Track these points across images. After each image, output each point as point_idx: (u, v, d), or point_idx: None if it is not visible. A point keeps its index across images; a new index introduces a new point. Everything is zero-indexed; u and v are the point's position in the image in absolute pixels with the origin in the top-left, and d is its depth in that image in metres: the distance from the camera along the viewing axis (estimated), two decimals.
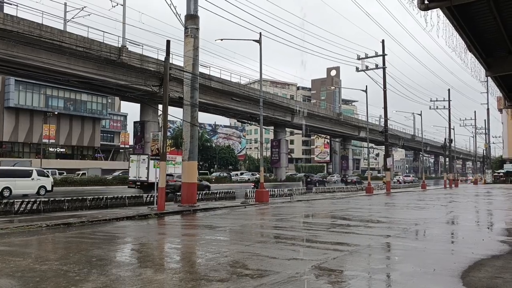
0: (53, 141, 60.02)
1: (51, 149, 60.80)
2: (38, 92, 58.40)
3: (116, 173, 47.57)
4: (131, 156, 34.37)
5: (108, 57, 32.92)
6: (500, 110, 62.57)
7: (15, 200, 15.56)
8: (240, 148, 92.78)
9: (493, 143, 80.00)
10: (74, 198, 17.36)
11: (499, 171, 69.66)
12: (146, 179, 27.10)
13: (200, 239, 10.75)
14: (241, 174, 65.08)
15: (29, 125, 58.24)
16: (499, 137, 75.96)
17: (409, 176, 73.03)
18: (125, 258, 8.35)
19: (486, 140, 73.94)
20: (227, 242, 10.23)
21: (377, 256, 8.28)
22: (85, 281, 6.12)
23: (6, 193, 22.84)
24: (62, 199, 16.90)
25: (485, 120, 71.42)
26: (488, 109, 69.05)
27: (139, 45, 45.97)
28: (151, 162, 24.17)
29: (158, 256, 8.63)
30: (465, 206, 21.73)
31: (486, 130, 72.31)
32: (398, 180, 59.03)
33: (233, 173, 65.21)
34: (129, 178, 29.42)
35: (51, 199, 16.56)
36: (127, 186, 30.49)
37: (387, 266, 7.44)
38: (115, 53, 34.14)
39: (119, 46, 34.95)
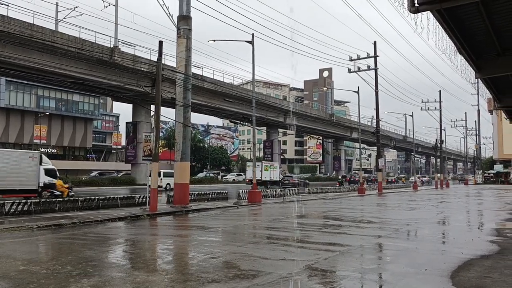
0: (45, 141, 59.54)
1: (42, 150, 60.19)
2: (29, 92, 57.93)
3: (93, 174, 46.75)
4: (247, 162, 49.51)
5: (100, 57, 32.75)
6: (491, 112, 63.09)
7: (6, 202, 15.44)
8: (233, 149, 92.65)
9: (484, 144, 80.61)
10: (66, 199, 17.26)
11: (489, 171, 70.30)
12: (260, 178, 38.27)
13: (192, 240, 10.75)
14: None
15: (20, 125, 57.74)
16: (490, 138, 76.61)
17: (425, 176, 79.09)
18: (116, 259, 8.33)
19: (476, 141, 74.62)
20: (220, 243, 10.24)
21: (368, 257, 8.34)
22: (76, 282, 6.10)
23: (168, 187, 33.79)
24: (53, 200, 16.80)
25: (475, 121, 72.10)
26: (478, 110, 69.70)
27: (131, 45, 45.62)
28: (263, 165, 40.33)
29: (150, 257, 8.62)
30: (455, 207, 21.92)
31: (477, 131, 72.97)
32: (422, 180, 69.89)
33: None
34: (247, 177, 42.00)
35: (41, 200, 16.45)
36: (245, 183, 42.12)
37: (379, 266, 7.50)
38: (107, 53, 33.98)
39: (111, 46, 34.79)
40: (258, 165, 39.74)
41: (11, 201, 15.59)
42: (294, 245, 9.52)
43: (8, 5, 29.16)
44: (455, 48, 11.14)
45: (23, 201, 15.81)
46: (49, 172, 21.57)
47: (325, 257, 8.04)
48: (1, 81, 54.72)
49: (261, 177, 39.57)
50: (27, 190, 19.74)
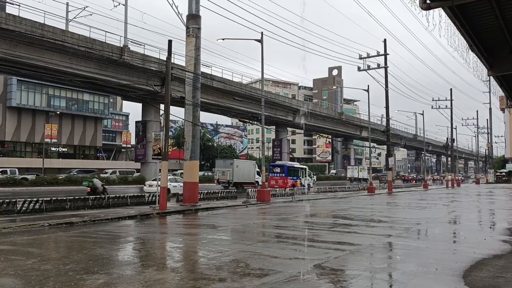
0: (55, 140, 60.06)
1: (53, 149, 60.82)
2: (40, 92, 58.45)
3: (72, 172, 46.23)
4: (348, 166, 68.53)
5: (110, 56, 32.93)
6: (503, 110, 62.35)
7: (18, 200, 15.61)
8: (242, 148, 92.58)
9: (496, 142, 79.78)
10: (76, 197, 17.40)
11: (501, 170, 69.49)
12: (356, 176, 61.05)
13: (202, 238, 10.77)
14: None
15: (31, 124, 58.30)
16: (501, 136, 75.74)
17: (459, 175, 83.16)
18: (127, 257, 8.37)
19: (488, 140, 73.79)
20: (229, 242, 10.25)
21: (378, 256, 8.27)
22: (87, 280, 6.14)
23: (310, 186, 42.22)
24: (64, 198, 16.93)
25: (487, 119, 71.28)
26: (490, 108, 68.91)
27: (141, 44, 45.65)
28: (359, 167, 63.43)
29: (160, 255, 8.65)
30: (467, 206, 21.69)
31: (488, 130, 72.18)
32: (461, 178, 75.09)
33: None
34: (348, 176, 63.03)
35: (53, 198, 16.59)
36: (347, 180, 61.84)
37: (389, 266, 7.44)
38: (117, 52, 34.15)
39: (121, 45, 34.96)
40: (355, 168, 64.33)
41: (23, 199, 15.76)
42: (303, 244, 9.48)
43: (19, 5, 29.41)
44: (467, 45, 11.02)
45: (34, 199, 15.96)
46: (258, 173, 36.19)
47: (335, 256, 8.00)
48: (12, 80, 55.30)
49: (358, 176, 60.81)
50: (250, 183, 35.80)
